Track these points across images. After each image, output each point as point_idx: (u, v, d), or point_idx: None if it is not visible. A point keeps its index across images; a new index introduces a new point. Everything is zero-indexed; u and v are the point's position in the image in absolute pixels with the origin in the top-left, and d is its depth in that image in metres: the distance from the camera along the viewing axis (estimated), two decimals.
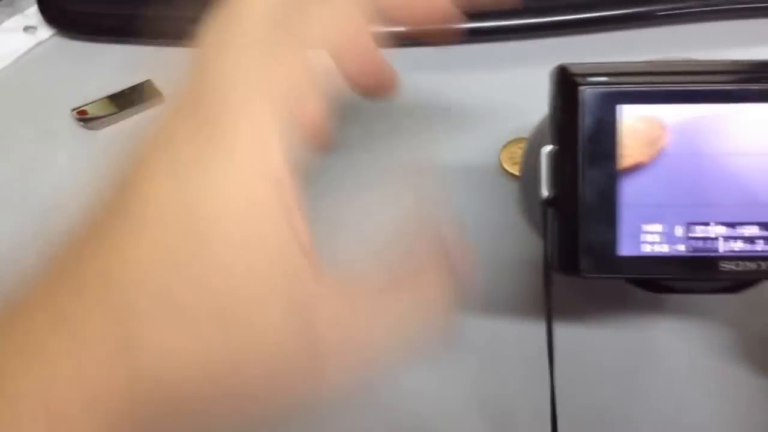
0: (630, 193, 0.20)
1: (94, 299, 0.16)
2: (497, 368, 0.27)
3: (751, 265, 0.21)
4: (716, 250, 0.21)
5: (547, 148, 0.21)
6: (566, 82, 0.21)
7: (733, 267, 0.21)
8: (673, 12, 0.37)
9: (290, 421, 0.18)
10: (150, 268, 0.16)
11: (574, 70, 0.21)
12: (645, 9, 0.37)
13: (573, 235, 0.21)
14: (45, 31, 0.41)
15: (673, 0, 0.37)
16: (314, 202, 0.18)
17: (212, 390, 0.16)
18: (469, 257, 0.20)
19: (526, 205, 0.27)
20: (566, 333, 0.28)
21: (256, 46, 0.18)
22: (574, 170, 0.20)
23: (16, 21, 0.41)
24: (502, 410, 0.26)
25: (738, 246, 0.21)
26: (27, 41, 0.40)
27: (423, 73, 0.32)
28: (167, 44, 0.39)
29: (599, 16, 0.37)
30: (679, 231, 0.21)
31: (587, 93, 0.20)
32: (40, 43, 0.40)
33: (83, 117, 0.36)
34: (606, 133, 0.20)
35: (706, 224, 0.21)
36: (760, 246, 0.20)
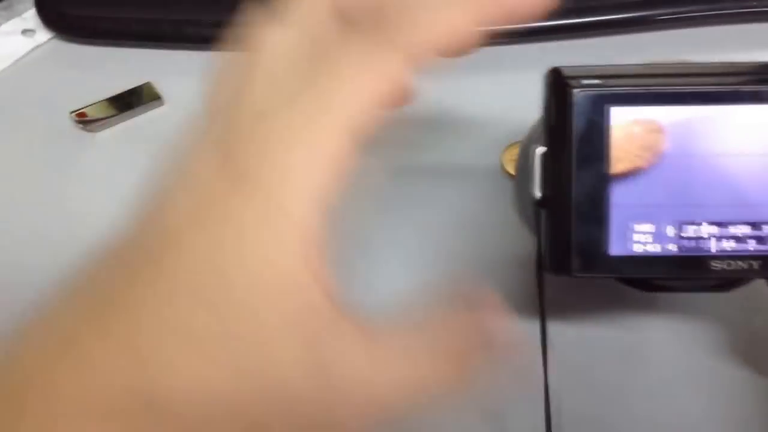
0: (621, 193, 0.21)
1: (121, 346, 0.17)
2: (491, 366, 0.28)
3: (742, 265, 0.21)
4: (707, 250, 0.21)
5: (539, 149, 0.22)
6: (558, 84, 0.21)
7: (724, 266, 0.21)
8: (674, 16, 0.38)
9: None
10: (178, 316, 0.17)
11: (566, 72, 0.21)
12: (646, 13, 0.38)
13: (564, 236, 0.21)
14: (43, 34, 0.41)
15: (673, 4, 0.38)
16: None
17: (230, 423, 0.17)
18: (505, 323, 0.21)
19: (520, 205, 0.28)
20: (560, 332, 0.28)
21: (288, 104, 0.18)
22: (566, 171, 0.21)
23: (14, 24, 0.42)
24: (496, 408, 0.27)
25: (729, 245, 0.21)
26: (25, 44, 0.41)
27: (426, 75, 0.33)
28: (166, 47, 0.40)
29: (602, 20, 0.38)
30: (669, 231, 0.21)
31: (578, 95, 0.21)
32: (38, 46, 0.41)
33: (82, 119, 0.37)
34: (597, 134, 0.21)
35: (697, 224, 0.21)
36: (750, 245, 0.21)
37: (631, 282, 0.24)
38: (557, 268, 0.22)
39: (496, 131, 0.35)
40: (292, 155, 0.17)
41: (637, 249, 0.21)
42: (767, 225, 0.21)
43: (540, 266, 0.22)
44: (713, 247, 0.21)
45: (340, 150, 0.18)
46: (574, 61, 0.22)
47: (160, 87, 0.38)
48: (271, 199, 0.17)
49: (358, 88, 0.18)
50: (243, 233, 0.17)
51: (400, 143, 0.34)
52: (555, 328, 0.28)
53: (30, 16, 0.42)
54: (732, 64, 0.22)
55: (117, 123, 0.37)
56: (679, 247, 0.21)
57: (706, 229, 0.21)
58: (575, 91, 0.21)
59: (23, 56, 0.41)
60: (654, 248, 0.21)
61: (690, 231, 0.21)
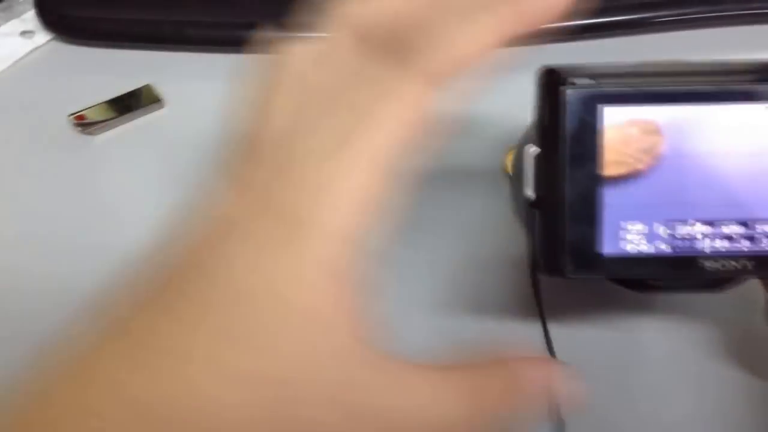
0: (613, 193, 0.21)
1: (150, 379, 0.17)
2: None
3: (735, 264, 0.21)
4: (699, 250, 0.21)
5: (532, 149, 0.22)
6: (550, 84, 0.21)
7: (717, 266, 0.21)
8: (674, 18, 0.39)
9: None
10: (207, 351, 0.17)
11: (558, 71, 0.21)
12: (646, 15, 0.39)
13: (557, 236, 0.21)
14: (42, 36, 0.42)
15: (674, 6, 0.39)
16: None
17: None
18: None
19: (517, 206, 0.28)
20: (556, 333, 0.29)
21: (314, 136, 0.18)
22: (558, 171, 0.21)
23: (13, 25, 0.42)
24: None
25: (721, 245, 0.21)
26: (24, 46, 0.41)
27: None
28: (166, 48, 0.40)
29: (603, 22, 0.38)
30: (661, 230, 0.21)
31: (570, 94, 0.21)
32: (37, 48, 0.41)
33: (81, 122, 0.37)
34: (589, 134, 0.21)
35: (689, 224, 0.21)
36: (743, 245, 0.21)
37: (624, 282, 0.24)
38: (550, 269, 0.22)
39: (498, 133, 0.35)
40: (320, 190, 0.17)
41: (630, 249, 0.21)
42: (759, 224, 0.21)
43: (533, 267, 0.23)
44: (706, 246, 0.21)
45: (368, 183, 0.18)
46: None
47: (160, 89, 0.38)
48: (299, 237, 0.17)
49: (384, 119, 0.18)
50: (271, 271, 0.17)
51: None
52: (551, 329, 0.29)
53: (29, 18, 0.42)
54: (724, 63, 0.22)
55: (116, 125, 0.37)
56: (672, 247, 0.21)
57: (698, 229, 0.21)
58: (567, 90, 0.21)
59: (22, 58, 0.41)
60: (646, 248, 0.21)
61: (682, 231, 0.21)
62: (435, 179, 0.34)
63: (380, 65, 0.18)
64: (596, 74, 0.21)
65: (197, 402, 0.17)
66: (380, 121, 0.18)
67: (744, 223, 0.21)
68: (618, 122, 0.21)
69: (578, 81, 0.21)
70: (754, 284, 0.24)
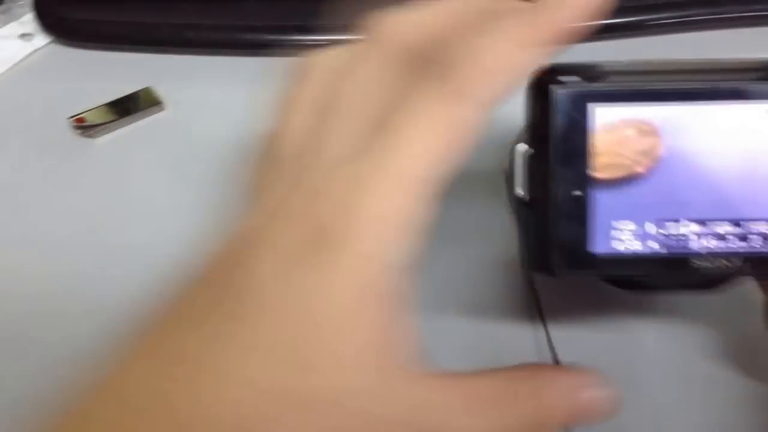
0: (603, 192, 0.21)
1: (206, 403, 0.17)
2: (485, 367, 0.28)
3: (727, 263, 0.21)
4: (691, 249, 0.21)
5: (522, 148, 0.22)
6: (539, 82, 0.21)
7: (708, 265, 0.21)
8: (675, 20, 0.39)
9: None
10: (260, 373, 0.17)
11: (548, 70, 0.21)
12: (647, 17, 0.39)
13: (546, 235, 0.21)
14: (41, 39, 0.42)
15: (674, 8, 0.39)
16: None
17: None
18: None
19: (512, 206, 0.28)
20: (551, 334, 0.29)
21: (358, 156, 0.18)
22: (547, 170, 0.21)
23: (12, 28, 0.43)
24: None
25: (711, 243, 0.21)
26: (23, 49, 0.42)
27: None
28: (166, 51, 0.41)
29: (605, 24, 0.38)
30: (651, 229, 0.21)
31: (559, 93, 0.21)
32: (36, 51, 0.42)
33: (81, 125, 0.37)
34: (579, 133, 0.21)
35: (679, 222, 0.21)
36: (734, 244, 0.21)
37: (616, 282, 0.25)
38: (540, 268, 0.22)
39: (499, 133, 0.35)
40: (365, 212, 0.18)
41: (621, 248, 0.21)
42: (752, 224, 0.21)
43: (526, 267, 0.23)
44: (698, 246, 0.21)
45: (402, 204, 0.18)
46: None
47: (160, 91, 0.39)
48: (331, 257, 0.17)
49: (418, 139, 0.18)
50: (301, 289, 0.17)
51: None
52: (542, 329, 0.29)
53: (28, 20, 0.43)
54: (717, 62, 0.22)
55: (116, 128, 0.38)
56: (664, 247, 0.21)
57: (690, 228, 0.21)
58: (556, 89, 0.21)
59: (21, 60, 0.41)
60: (638, 247, 0.21)
61: (672, 229, 0.21)
62: None
63: (412, 81, 0.18)
64: (586, 72, 0.21)
65: (231, 418, 0.17)
66: (414, 140, 0.18)
67: (736, 223, 0.21)
68: (610, 122, 0.21)
69: (568, 80, 0.21)
70: (752, 286, 0.25)
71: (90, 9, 0.41)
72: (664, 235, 0.21)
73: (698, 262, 0.21)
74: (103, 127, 0.37)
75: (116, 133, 0.38)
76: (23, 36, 0.42)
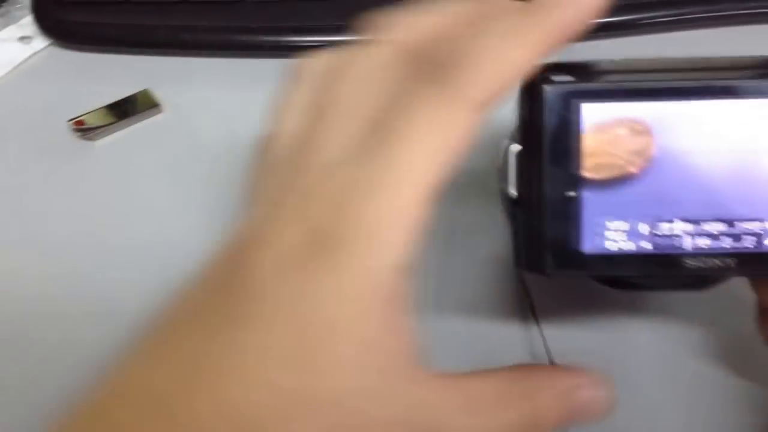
0: (593, 191, 0.21)
1: (211, 406, 0.17)
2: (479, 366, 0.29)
3: (718, 263, 0.22)
4: (681, 247, 0.22)
5: (514, 147, 0.22)
6: (530, 81, 0.22)
7: (700, 264, 0.22)
8: (671, 19, 0.39)
9: None
10: (264, 375, 0.17)
11: (538, 68, 0.21)
12: (642, 16, 0.39)
13: (537, 234, 0.22)
14: (40, 41, 0.42)
15: (670, 6, 0.39)
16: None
17: None
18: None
19: (504, 205, 0.29)
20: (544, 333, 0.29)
21: (360, 157, 0.18)
22: (538, 169, 0.21)
23: (11, 31, 0.43)
24: None
25: (704, 243, 0.21)
26: (22, 51, 0.42)
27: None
28: (164, 53, 0.41)
29: (602, 23, 0.38)
30: (643, 228, 0.21)
31: (548, 91, 0.21)
32: (35, 54, 0.42)
33: (80, 127, 0.38)
34: (569, 131, 0.21)
35: (671, 221, 0.21)
36: (726, 243, 0.21)
37: (607, 281, 0.25)
38: (531, 267, 0.22)
39: (494, 131, 0.36)
40: (368, 215, 0.18)
41: (611, 247, 0.22)
42: (742, 222, 0.21)
43: (517, 266, 0.23)
44: (688, 244, 0.22)
45: (415, 206, 0.18)
46: None
47: (158, 93, 0.39)
48: (341, 262, 0.18)
49: (428, 143, 0.18)
50: (325, 296, 0.18)
51: None
52: (535, 329, 0.30)
53: (27, 23, 0.43)
54: (708, 59, 0.22)
55: (115, 131, 0.38)
56: (654, 245, 0.21)
57: (680, 227, 0.21)
58: (546, 87, 0.21)
59: (20, 63, 0.42)
60: (628, 246, 0.22)
61: (664, 228, 0.21)
62: None
63: (412, 83, 0.19)
64: (576, 70, 0.21)
65: (232, 418, 0.17)
66: (415, 143, 0.18)
67: (727, 221, 0.21)
68: (602, 121, 0.21)
69: (559, 78, 0.21)
70: (743, 285, 0.25)
71: (88, 11, 0.41)
72: (656, 234, 0.21)
73: (690, 262, 0.22)
74: (102, 129, 0.38)
75: (115, 136, 0.38)
76: (22, 39, 0.43)
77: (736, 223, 0.21)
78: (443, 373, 0.19)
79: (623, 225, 0.21)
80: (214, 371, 0.18)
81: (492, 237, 0.32)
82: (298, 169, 0.19)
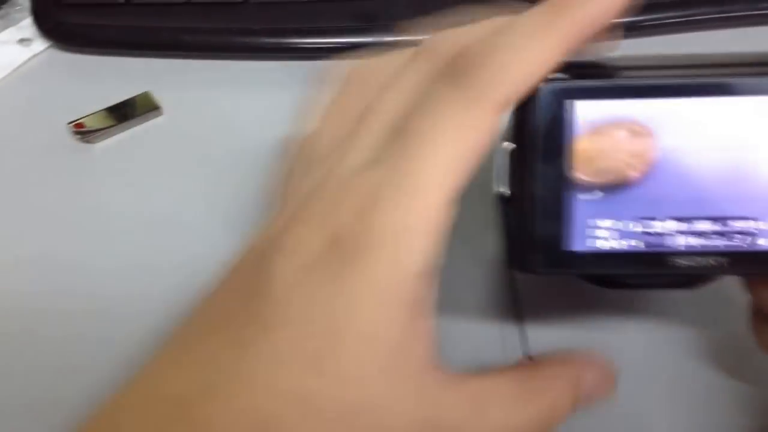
0: (583, 189, 0.21)
1: (235, 411, 0.17)
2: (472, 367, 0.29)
3: (710, 261, 0.22)
4: (670, 246, 0.22)
5: (507, 145, 0.22)
6: None
7: (691, 263, 0.22)
8: (680, 20, 0.39)
9: None
10: (289, 381, 0.18)
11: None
12: (652, 17, 0.39)
13: (526, 232, 0.22)
14: (40, 44, 0.43)
15: (680, 7, 0.39)
16: None
17: None
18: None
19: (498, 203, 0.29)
20: (534, 332, 0.29)
21: (381, 164, 0.19)
22: (530, 167, 0.21)
23: (10, 33, 0.43)
24: None
25: (695, 242, 0.22)
26: (22, 54, 0.42)
27: None
28: (164, 55, 0.41)
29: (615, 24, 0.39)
30: (633, 227, 0.22)
31: (541, 89, 0.21)
32: (35, 56, 0.42)
33: (80, 130, 0.38)
34: (561, 129, 0.21)
35: (660, 220, 0.21)
36: (717, 242, 0.21)
37: (597, 280, 0.25)
38: (521, 265, 0.22)
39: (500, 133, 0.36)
40: (392, 221, 0.18)
41: (602, 246, 0.22)
42: (733, 221, 0.21)
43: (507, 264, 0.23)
44: (679, 243, 0.22)
45: (438, 211, 0.18)
46: None
47: (159, 96, 0.39)
48: (375, 269, 0.18)
49: (450, 147, 0.18)
50: (349, 302, 0.18)
51: None
52: (530, 329, 0.30)
53: (26, 26, 0.43)
54: (704, 56, 0.22)
55: (115, 133, 0.38)
56: (644, 244, 0.22)
57: (671, 226, 0.21)
58: (540, 84, 0.21)
59: (20, 66, 0.42)
60: (618, 245, 0.22)
61: (654, 227, 0.21)
62: None
63: (442, 89, 0.19)
64: (570, 68, 0.21)
65: (252, 423, 0.17)
66: (438, 148, 0.18)
67: (718, 220, 0.21)
68: (597, 119, 0.21)
69: (554, 76, 0.21)
70: (734, 285, 0.25)
71: (88, 14, 0.41)
72: (647, 233, 0.21)
73: (682, 261, 0.22)
74: (102, 132, 0.38)
75: (115, 138, 0.38)
76: (22, 41, 0.43)
77: (728, 222, 0.21)
78: (459, 374, 0.20)
79: (615, 224, 0.22)
80: (235, 377, 0.18)
81: (485, 235, 0.32)
82: (329, 173, 0.20)
